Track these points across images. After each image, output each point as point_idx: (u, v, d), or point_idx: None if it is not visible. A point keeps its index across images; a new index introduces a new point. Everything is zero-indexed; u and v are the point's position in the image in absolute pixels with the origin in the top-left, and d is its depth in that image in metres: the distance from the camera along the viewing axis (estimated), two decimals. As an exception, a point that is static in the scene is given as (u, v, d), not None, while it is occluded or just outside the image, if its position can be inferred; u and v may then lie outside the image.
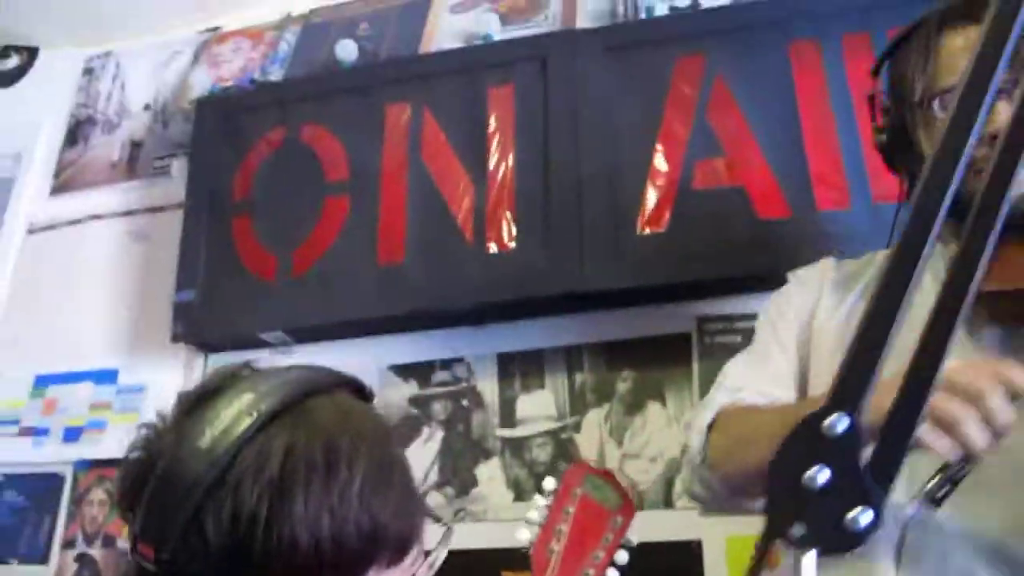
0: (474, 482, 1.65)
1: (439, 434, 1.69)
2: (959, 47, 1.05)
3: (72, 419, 1.85)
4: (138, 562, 0.74)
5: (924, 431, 0.76)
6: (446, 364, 1.74)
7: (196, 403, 0.77)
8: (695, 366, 1.62)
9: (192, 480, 0.72)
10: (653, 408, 1.62)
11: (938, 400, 0.78)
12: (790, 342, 1.20)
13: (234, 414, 0.75)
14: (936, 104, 1.06)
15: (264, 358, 0.89)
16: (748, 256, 1.57)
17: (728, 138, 1.66)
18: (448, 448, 1.68)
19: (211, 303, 1.78)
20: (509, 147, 1.75)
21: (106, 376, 1.88)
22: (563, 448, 1.63)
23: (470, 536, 1.53)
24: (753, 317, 1.28)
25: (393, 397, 1.74)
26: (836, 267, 1.25)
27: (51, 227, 2.09)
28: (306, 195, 1.82)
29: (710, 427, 1.10)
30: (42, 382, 1.92)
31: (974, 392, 0.77)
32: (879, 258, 1.23)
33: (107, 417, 1.83)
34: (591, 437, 1.62)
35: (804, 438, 0.46)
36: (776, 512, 0.48)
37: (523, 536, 1.06)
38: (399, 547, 0.78)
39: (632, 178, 1.66)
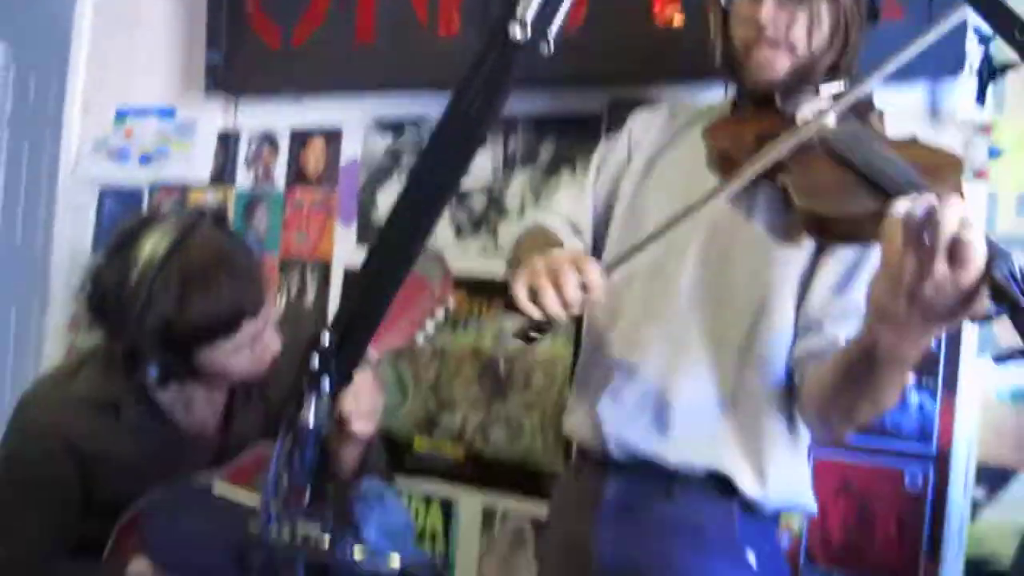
0: (427, 221, 2.13)
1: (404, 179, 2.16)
2: None
3: (145, 146, 2.41)
4: (115, 350, 1.33)
5: (521, 295, 1.11)
6: (414, 122, 2.16)
7: (119, 248, 1.31)
8: (601, 140, 1.96)
9: (133, 306, 1.28)
10: (565, 173, 2.01)
11: (534, 276, 1.11)
12: (606, 179, 1.54)
13: (146, 257, 1.29)
14: None
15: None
16: (649, 56, 1.85)
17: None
18: (410, 193, 2.14)
19: (233, 64, 2.23)
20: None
21: (167, 112, 2.41)
22: (495, 202, 2.07)
23: (422, 262, 2.06)
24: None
25: (375, 146, 2.20)
26: (671, 115, 1.52)
27: (118, -24, 2.51)
28: (302, -26, 2.15)
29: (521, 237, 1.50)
30: (122, 114, 2.46)
31: (556, 274, 1.10)
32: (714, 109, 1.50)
33: (170, 146, 2.38)
34: (516, 194, 2.05)
35: (315, 340, 0.92)
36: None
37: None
38: (255, 307, 1.34)
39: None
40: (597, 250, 1.51)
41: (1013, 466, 1.62)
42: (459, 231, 2.11)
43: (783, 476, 1.32)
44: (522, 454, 2.01)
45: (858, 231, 0.98)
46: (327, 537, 0.99)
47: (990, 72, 1.62)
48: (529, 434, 2.00)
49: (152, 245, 1.29)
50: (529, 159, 2.04)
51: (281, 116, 2.30)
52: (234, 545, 1.04)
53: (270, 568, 1.02)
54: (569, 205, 1.54)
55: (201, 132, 2.34)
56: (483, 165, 2.08)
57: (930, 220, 0.82)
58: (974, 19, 1.35)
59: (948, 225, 0.81)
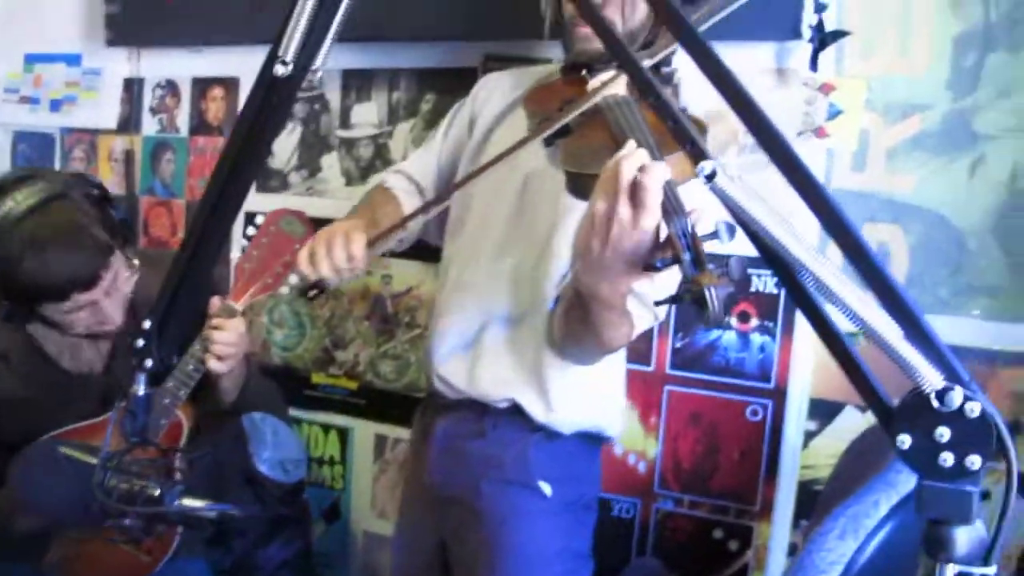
0: (319, 168, 2.24)
1: (299, 129, 2.25)
2: None
3: (54, 92, 2.48)
4: None
5: (302, 257, 1.33)
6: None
7: None
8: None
9: None
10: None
11: (314, 242, 1.32)
12: (451, 142, 1.66)
13: (2, 214, 1.40)
14: None
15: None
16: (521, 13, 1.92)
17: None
18: (303, 141, 2.25)
19: (130, 17, 2.29)
20: None
21: (74, 59, 2.47)
22: (380, 150, 2.17)
23: (315, 207, 2.17)
24: (528, 60, 1.81)
25: (270, 96, 2.28)
26: (515, 82, 1.61)
27: (21, -78, 2.53)
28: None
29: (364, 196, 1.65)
30: (31, 60, 2.52)
31: (330, 242, 1.31)
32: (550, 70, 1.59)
33: (77, 93, 2.45)
34: (399, 144, 2.15)
35: (139, 326, 1.05)
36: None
37: (233, 255, 1.63)
38: (87, 282, 1.47)
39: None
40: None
41: (842, 400, 1.79)
42: (348, 179, 2.22)
43: (569, 401, 1.48)
44: (409, 386, 2.18)
45: None
46: (157, 490, 1.15)
47: (822, 39, 1.71)
48: (415, 368, 2.16)
49: (13, 204, 1.43)
50: (412, 110, 2.13)
51: (182, 65, 2.36)
52: (79, 496, 1.20)
53: (109, 515, 1.18)
54: (416, 164, 1.67)
55: (107, 79, 2.41)
56: (370, 115, 2.18)
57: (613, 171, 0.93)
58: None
59: (627, 172, 0.91)
